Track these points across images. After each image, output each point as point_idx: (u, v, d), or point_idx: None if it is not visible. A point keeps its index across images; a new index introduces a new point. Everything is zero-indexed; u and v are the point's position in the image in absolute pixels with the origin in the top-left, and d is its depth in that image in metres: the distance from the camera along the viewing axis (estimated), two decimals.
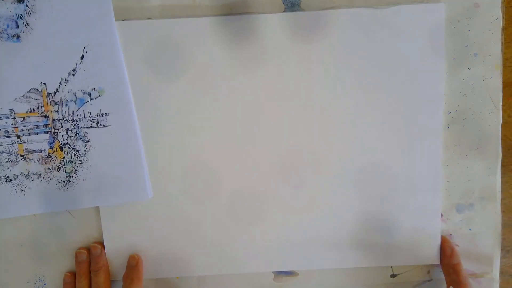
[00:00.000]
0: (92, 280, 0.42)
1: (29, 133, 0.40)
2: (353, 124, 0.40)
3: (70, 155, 0.40)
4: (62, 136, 0.40)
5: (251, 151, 0.41)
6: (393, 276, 0.44)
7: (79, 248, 0.42)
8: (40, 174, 0.40)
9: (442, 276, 0.43)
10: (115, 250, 0.42)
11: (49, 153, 0.40)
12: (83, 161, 0.40)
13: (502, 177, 0.42)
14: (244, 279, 0.43)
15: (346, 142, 0.41)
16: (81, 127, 0.40)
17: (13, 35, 0.38)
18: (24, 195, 0.40)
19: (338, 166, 0.41)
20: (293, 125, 0.40)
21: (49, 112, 0.39)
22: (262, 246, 0.42)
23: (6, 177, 0.40)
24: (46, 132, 0.40)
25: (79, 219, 0.42)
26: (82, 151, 0.40)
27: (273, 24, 0.39)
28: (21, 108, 0.39)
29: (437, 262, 0.43)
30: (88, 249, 0.42)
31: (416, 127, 0.40)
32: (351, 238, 0.42)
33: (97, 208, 0.41)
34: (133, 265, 0.41)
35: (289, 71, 0.40)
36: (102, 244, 0.42)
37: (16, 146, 0.40)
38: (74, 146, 0.40)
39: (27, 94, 0.39)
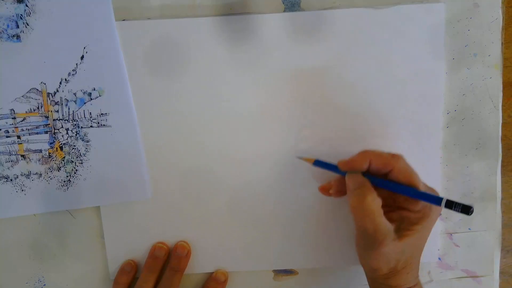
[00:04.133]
0: (165, 277, 0.41)
1: (29, 133, 0.40)
2: (353, 124, 0.40)
3: (71, 155, 0.40)
4: (62, 136, 0.40)
5: (251, 150, 0.41)
6: None
7: (159, 242, 0.41)
8: (41, 174, 0.40)
9: (442, 277, 0.43)
10: (116, 250, 0.42)
11: (49, 153, 0.40)
12: (83, 161, 0.40)
13: (502, 177, 0.42)
14: (243, 278, 0.43)
15: (346, 141, 0.41)
16: (81, 127, 0.40)
17: (13, 35, 0.38)
18: (25, 195, 0.41)
19: None
20: (293, 124, 0.40)
21: (49, 112, 0.39)
22: (262, 245, 0.42)
23: (6, 177, 0.40)
24: (46, 132, 0.40)
25: (79, 219, 0.42)
26: (82, 151, 0.40)
27: (273, 24, 0.39)
28: (21, 108, 0.39)
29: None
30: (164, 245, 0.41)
31: (416, 126, 0.40)
32: (351, 237, 0.42)
33: (97, 208, 0.41)
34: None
35: (289, 71, 0.40)
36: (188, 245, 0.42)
37: (16, 146, 0.40)
38: (75, 146, 0.40)
39: (27, 94, 0.39)
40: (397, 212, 0.36)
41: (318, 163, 0.39)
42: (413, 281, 0.36)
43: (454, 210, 0.32)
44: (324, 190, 0.40)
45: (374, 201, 0.34)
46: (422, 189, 0.35)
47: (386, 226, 0.33)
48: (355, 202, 0.34)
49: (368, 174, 0.36)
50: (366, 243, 0.34)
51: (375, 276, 0.36)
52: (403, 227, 0.35)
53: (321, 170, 0.40)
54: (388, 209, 0.36)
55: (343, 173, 0.37)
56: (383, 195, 0.35)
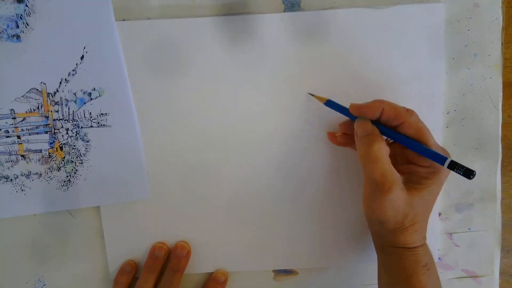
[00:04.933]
0: (165, 277, 0.41)
1: (29, 133, 0.40)
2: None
3: (71, 155, 0.40)
4: (62, 136, 0.40)
5: (251, 150, 0.41)
6: None
7: (159, 242, 0.41)
8: (41, 174, 0.40)
9: (443, 277, 0.43)
10: (116, 250, 0.42)
11: (49, 153, 0.40)
12: (83, 161, 0.40)
13: (502, 177, 0.42)
14: (244, 278, 0.43)
15: None
16: (81, 127, 0.40)
17: (13, 35, 0.38)
18: (25, 195, 0.41)
19: (338, 165, 0.41)
20: (293, 124, 0.40)
21: (49, 112, 0.39)
22: (262, 245, 0.42)
23: (6, 177, 0.40)
24: (46, 132, 0.40)
25: (79, 219, 0.42)
26: (82, 151, 0.40)
27: (273, 24, 0.39)
28: (21, 108, 0.39)
29: (436, 260, 0.43)
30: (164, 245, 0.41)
31: None
32: (351, 237, 0.42)
33: (97, 208, 0.41)
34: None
35: (289, 71, 0.40)
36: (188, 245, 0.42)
37: (16, 146, 0.40)
38: (75, 146, 0.40)
39: (27, 94, 0.39)
40: (407, 166, 0.36)
41: (330, 103, 0.38)
42: (420, 241, 0.35)
43: (456, 171, 0.32)
44: (332, 135, 0.39)
45: (382, 149, 0.33)
46: (432, 146, 0.34)
47: (394, 173, 0.33)
48: (363, 149, 0.34)
49: (378, 123, 0.35)
50: (374, 191, 0.33)
51: (381, 231, 0.35)
52: (412, 180, 0.34)
53: (325, 165, 0.40)
54: (398, 162, 0.36)
55: (353, 118, 0.36)
56: (393, 150, 0.35)
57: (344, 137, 0.38)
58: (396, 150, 0.36)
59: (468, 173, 0.31)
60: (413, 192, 0.34)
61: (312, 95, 0.39)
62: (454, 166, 0.32)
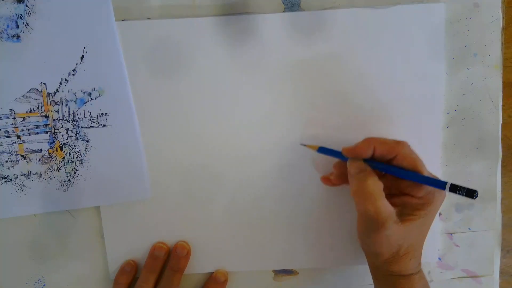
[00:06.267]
0: (165, 277, 0.41)
1: (29, 133, 0.40)
2: (353, 124, 0.40)
3: (71, 155, 0.40)
4: (62, 136, 0.40)
5: (251, 150, 0.41)
6: None
7: (159, 242, 0.41)
8: (41, 174, 0.40)
9: (442, 277, 0.43)
10: (116, 250, 0.42)
11: (49, 153, 0.40)
12: (83, 161, 0.40)
13: (502, 177, 0.42)
14: (244, 278, 0.43)
15: (346, 141, 0.40)
16: (81, 127, 0.40)
17: (13, 35, 0.38)
18: (25, 195, 0.41)
19: None
20: (294, 125, 0.40)
21: (49, 112, 0.39)
22: (262, 245, 0.42)
23: (6, 177, 0.40)
24: (46, 132, 0.40)
25: (79, 219, 0.42)
26: (82, 151, 0.40)
27: (273, 24, 0.39)
28: (21, 108, 0.39)
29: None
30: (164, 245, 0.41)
31: (416, 126, 0.40)
32: (351, 237, 0.42)
33: (97, 208, 0.41)
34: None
35: (289, 71, 0.40)
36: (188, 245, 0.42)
37: (16, 146, 0.40)
38: (75, 146, 0.40)
39: (27, 94, 0.39)
40: (400, 197, 0.36)
41: (322, 150, 0.39)
42: (415, 269, 0.35)
43: (458, 194, 0.32)
44: (326, 179, 0.40)
45: (375, 184, 0.34)
46: (426, 175, 0.34)
47: (388, 208, 0.33)
48: (356, 186, 0.34)
49: (373, 160, 0.36)
50: (368, 227, 0.34)
51: (377, 262, 0.35)
52: (405, 212, 0.35)
53: (322, 168, 0.40)
54: (391, 195, 0.36)
55: (345, 159, 0.37)
56: (386, 182, 0.35)
57: (339, 178, 0.38)
58: (389, 181, 0.36)
59: (471, 193, 0.31)
60: (407, 223, 0.34)
61: (304, 145, 0.40)
62: (456, 188, 0.32)
